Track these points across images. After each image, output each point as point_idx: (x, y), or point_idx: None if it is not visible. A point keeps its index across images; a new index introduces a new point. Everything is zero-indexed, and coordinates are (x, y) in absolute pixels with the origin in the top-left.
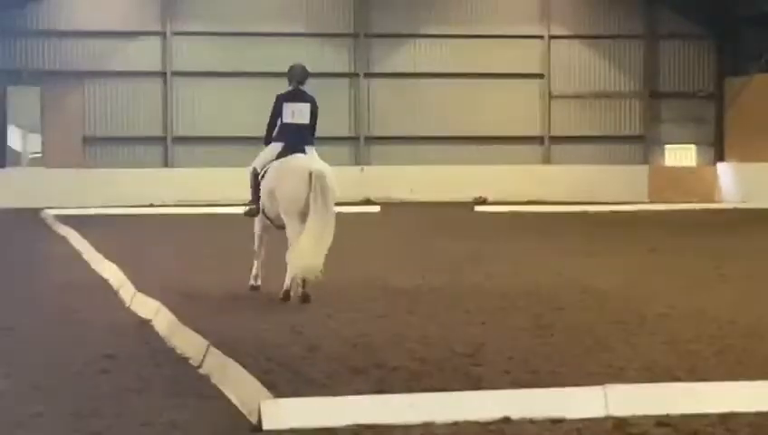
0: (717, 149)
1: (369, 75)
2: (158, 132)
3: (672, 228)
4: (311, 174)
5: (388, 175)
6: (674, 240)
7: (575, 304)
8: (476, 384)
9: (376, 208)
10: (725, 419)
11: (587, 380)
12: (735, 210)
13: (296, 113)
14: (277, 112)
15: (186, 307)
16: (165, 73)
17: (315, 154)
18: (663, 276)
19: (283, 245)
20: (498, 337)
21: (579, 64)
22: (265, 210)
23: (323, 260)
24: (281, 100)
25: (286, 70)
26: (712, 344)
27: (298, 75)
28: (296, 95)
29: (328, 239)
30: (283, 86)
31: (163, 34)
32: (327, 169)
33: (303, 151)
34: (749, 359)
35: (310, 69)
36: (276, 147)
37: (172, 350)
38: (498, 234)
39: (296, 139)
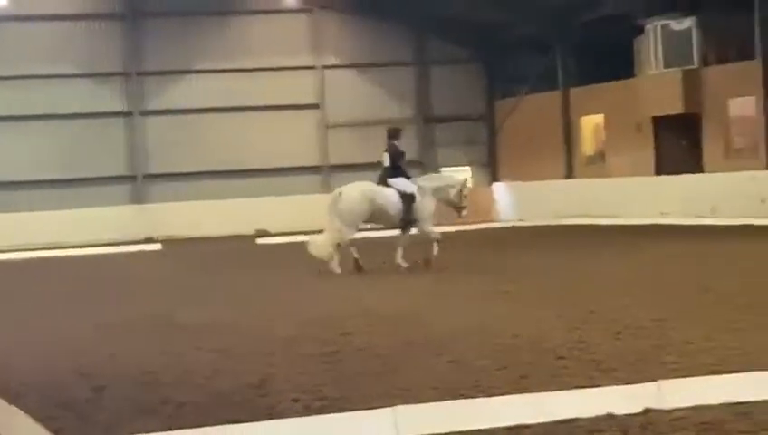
0: (492, 169)
1: (144, 113)
2: None
3: (454, 249)
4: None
5: (170, 211)
6: (456, 261)
7: (363, 329)
8: (266, 414)
9: (157, 246)
10: (512, 432)
11: (376, 402)
12: (513, 228)
13: (384, 159)
14: None
15: None
16: None
17: (399, 182)
18: (448, 297)
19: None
20: (287, 366)
21: (353, 93)
22: None
23: (326, 247)
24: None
25: (62, 112)
26: (497, 360)
27: (388, 133)
28: (387, 147)
29: (333, 237)
30: (64, 127)
31: None
32: (354, 192)
33: (386, 182)
34: (533, 372)
35: (80, 110)
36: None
37: None
38: (281, 264)
39: (383, 174)
